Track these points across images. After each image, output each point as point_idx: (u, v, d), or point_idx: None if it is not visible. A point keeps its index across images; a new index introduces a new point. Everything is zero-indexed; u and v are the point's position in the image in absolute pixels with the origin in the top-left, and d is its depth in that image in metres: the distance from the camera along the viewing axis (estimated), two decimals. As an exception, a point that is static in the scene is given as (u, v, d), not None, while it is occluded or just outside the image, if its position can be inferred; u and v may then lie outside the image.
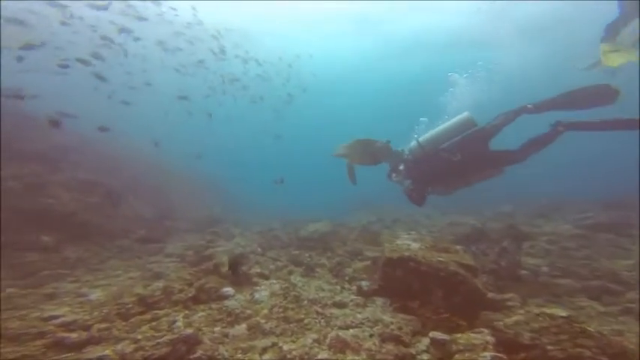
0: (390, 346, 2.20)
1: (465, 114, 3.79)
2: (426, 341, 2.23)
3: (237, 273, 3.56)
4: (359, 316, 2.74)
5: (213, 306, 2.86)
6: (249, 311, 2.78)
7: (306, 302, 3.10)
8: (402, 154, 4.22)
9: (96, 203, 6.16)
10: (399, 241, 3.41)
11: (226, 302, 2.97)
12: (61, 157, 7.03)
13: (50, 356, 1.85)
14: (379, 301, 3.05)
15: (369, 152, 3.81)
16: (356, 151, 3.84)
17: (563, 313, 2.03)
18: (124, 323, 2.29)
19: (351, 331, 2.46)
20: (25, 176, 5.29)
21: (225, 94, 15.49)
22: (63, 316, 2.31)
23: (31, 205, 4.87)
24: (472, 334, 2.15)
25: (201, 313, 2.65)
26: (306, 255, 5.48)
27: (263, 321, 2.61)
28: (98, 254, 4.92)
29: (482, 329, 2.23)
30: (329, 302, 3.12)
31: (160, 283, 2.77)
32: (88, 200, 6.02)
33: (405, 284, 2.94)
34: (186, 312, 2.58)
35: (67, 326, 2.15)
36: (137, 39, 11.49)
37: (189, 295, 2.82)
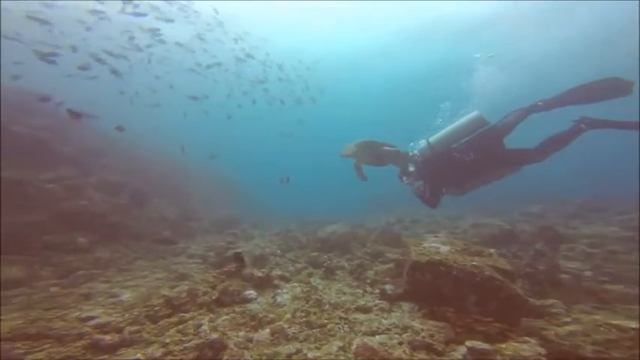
0: (421, 355, 2.09)
1: (475, 112, 3.68)
2: (462, 350, 2.09)
3: (242, 265, 3.56)
4: (385, 321, 2.65)
5: (237, 309, 2.87)
6: (272, 315, 2.77)
7: (328, 306, 3.04)
8: (411, 156, 4.15)
9: (123, 205, 6.47)
10: (425, 244, 3.26)
11: (249, 305, 2.98)
12: (92, 160, 7.47)
13: (89, 358, 1.92)
14: (406, 306, 2.92)
15: (375, 154, 3.77)
16: (362, 152, 3.81)
17: (634, 325, 1.80)
18: (152, 326, 2.35)
19: (377, 337, 2.36)
20: (62, 179, 5.64)
21: (244, 96, 15.83)
22: (98, 317, 2.41)
23: (68, 207, 5.18)
24: (517, 344, 1.98)
25: (225, 317, 2.67)
26: (325, 257, 5.42)
27: (286, 326, 2.58)
28: (126, 255, 5.15)
29: (527, 338, 2.05)
30: (352, 307, 3.04)
31: (185, 286, 2.83)
32: (116, 202, 6.34)
33: (435, 289, 2.79)
34: (211, 315, 2.61)
35: (102, 328, 2.24)
36: (161, 41, 11.92)
37: (213, 297, 2.86)
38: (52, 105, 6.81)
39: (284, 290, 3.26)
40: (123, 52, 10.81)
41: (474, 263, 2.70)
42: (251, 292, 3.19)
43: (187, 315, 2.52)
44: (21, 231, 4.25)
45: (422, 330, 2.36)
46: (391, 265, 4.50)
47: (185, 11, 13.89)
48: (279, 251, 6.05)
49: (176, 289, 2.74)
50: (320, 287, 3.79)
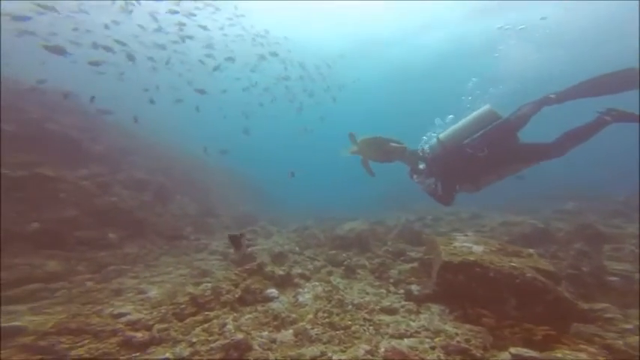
0: None
1: (487, 107, 3.60)
2: (504, 357, 1.91)
3: (239, 249, 3.50)
4: (413, 324, 2.52)
5: (259, 308, 2.86)
6: (294, 315, 2.73)
7: (350, 307, 2.96)
8: (421, 153, 4.07)
9: (149, 201, 6.73)
10: (456, 244, 3.07)
11: (271, 304, 2.96)
12: (120, 158, 7.83)
13: (123, 354, 1.98)
14: (435, 308, 2.77)
15: (382, 151, 3.70)
16: (368, 149, 3.75)
17: None
18: (179, 324, 2.38)
19: (406, 341, 2.25)
20: (94, 176, 5.94)
21: (265, 93, 16.00)
22: (129, 314, 2.49)
23: (100, 204, 5.45)
24: (571, 352, 1.78)
25: (248, 316, 2.67)
26: (344, 255, 5.34)
27: (309, 327, 2.53)
28: (152, 251, 5.35)
29: (584, 346, 1.84)
30: (376, 307, 2.94)
31: (209, 284, 2.85)
32: (142, 198, 6.60)
33: (468, 291, 2.62)
34: (235, 314, 2.62)
35: (133, 325, 2.31)
36: (187, 37, 12.17)
37: (236, 296, 2.87)
38: (81, 101, 7.11)
39: (305, 289, 3.22)
40: (145, 48, 11.17)
41: (513, 264, 2.49)
42: (273, 291, 3.17)
43: (212, 314, 2.54)
44: (56, 227, 4.52)
45: (456, 334, 2.21)
46: (415, 264, 4.33)
47: (202, 9, 14.12)
48: (297, 248, 6.05)
49: (200, 287, 2.77)
50: (341, 287, 3.71)
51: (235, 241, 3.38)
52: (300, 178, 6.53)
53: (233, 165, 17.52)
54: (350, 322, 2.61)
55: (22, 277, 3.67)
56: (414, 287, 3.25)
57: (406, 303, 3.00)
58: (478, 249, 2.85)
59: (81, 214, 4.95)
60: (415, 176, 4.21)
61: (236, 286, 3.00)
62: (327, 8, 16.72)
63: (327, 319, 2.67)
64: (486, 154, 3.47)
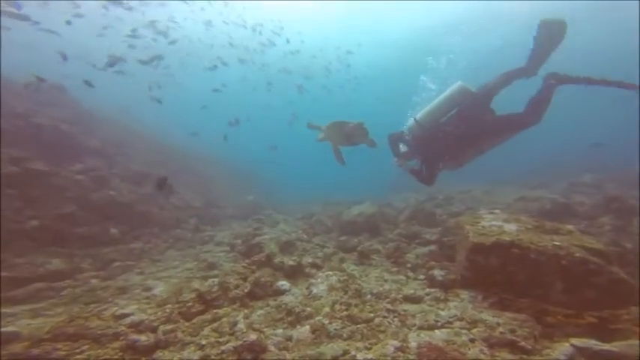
0: (505, 355, 1.71)
1: (458, 83, 3.63)
2: (563, 349, 1.64)
3: (165, 191, 3.59)
4: (443, 313, 2.29)
5: (271, 302, 2.67)
6: (309, 309, 2.52)
7: (370, 296, 2.75)
8: (400, 135, 4.14)
9: (149, 194, 6.51)
10: (484, 223, 2.79)
11: (283, 298, 2.76)
12: (116, 151, 7.54)
13: (126, 360, 1.78)
14: (465, 294, 2.53)
15: (343, 134, 3.66)
16: (333, 134, 3.72)
17: None
18: (187, 324, 2.19)
19: (438, 333, 2.03)
20: (90, 170, 5.70)
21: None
22: (133, 314, 2.30)
23: (98, 198, 5.24)
24: None
25: (259, 312, 2.47)
26: (355, 240, 5.12)
27: (326, 321, 2.32)
28: (157, 245, 5.19)
29: None
30: (398, 296, 2.72)
31: (216, 278, 2.65)
32: (142, 191, 6.37)
33: (504, 276, 2.36)
34: (245, 311, 2.42)
35: (137, 327, 2.13)
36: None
37: (246, 290, 2.66)
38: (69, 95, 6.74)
39: (318, 280, 3.00)
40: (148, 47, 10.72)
41: (556, 243, 2.21)
42: (284, 283, 2.97)
43: (221, 311, 2.34)
44: (55, 223, 4.33)
45: (498, 324, 1.97)
46: (432, 247, 4.10)
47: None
48: (305, 236, 5.85)
49: (207, 283, 2.57)
50: (356, 274, 3.51)
51: (160, 183, 3.61)
52: (303, 164, 6.33)
53: (233, 154, 17.21)
54: (371, 314, 2.40)
55: (25, 277, 3.52)
56: (436, 272, 3.02)
57: (431, 290, 2.77)
58: (511, 227, 2.57)
59: (79, 210, 4.75)
60: (396, 159, 4.27)
61: (245, 279, 2.80)
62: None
63: (345, 312, 2.46)
64: (464, 130, 3.54)
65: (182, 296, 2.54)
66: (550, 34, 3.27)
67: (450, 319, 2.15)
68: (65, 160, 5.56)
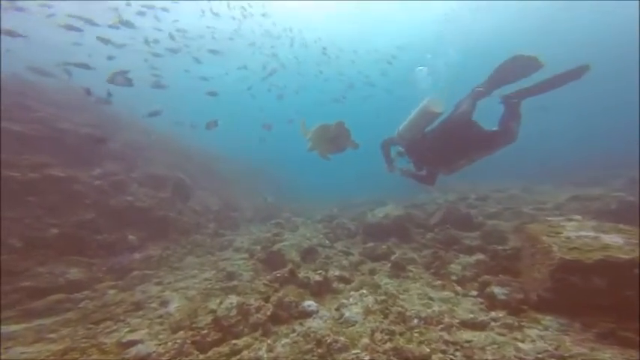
0: None
1: (425, 102, 3.59)
2: None
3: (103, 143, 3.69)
4: (525, 346, 1.78)
5: (297, 327, 2.28)
6: (342, 339, 2.11)
7: (416, 321, 2.28)
8: (392, 140, 4.19)
9: (167, 198, 6.41)
10: (568, 233, 2.22)
11: (311, 323, 2.37)
12: (136, 155, 7.56)
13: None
14: (549, 321, 1.98)
15: (328, 139, 3.47)
16: (318, 141, 3.52)
17: None
18: (201, 357, 1.85)
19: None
20: (109, 175, 5.65)
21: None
22: (140, 342, 2.01)
23: (116, 204, 5.16)
24: None
25: (284, 341, 2.09)
26: (384, 247, 4.63)
27: (367, 357, 1.90)
28: (176, 252, 5.02)
29: None
30: (454, 321, 2.23)
31: (234, 298, 2.31)
32: (160, 196, 6.27)
33: (616, 300, 1.80)
34: (268, 342, 2.05)
35: (141, 363, 1.80)
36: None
37: (268, 313, 2.30)
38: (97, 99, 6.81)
39: (351, 300, 2.58)
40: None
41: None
42: (310, 304, 2.58)
43: (240, 342, 1.99)
44: (75, 231, 4.25)
45: None
46: (480, 255, 3.52)
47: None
48: (327, 241, 5.45)
49: (224, 305, 2.23)
50: (393, 290, 3.05)
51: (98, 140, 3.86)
52: (319, 164, 6.04)
53: (250, 156, 17.22)
54: (425, 347, 1.93)
55: (45, 287, 3.42)
56: (496, 290, 2.49)
57: (494, 313, 2.25)
58: (615, 240, 1.98)
59: (98, 216, 4.67)
60: (386, 166, 4.39)
61: (267, 300, 2.44)
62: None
63: (389, 343, 2.02)
64: (448, 142, 3.59)
65: (197, 319, 2.22)
66: (519, 68, 3.32)
67: (540, 356, 1.64)
68: (85, 165, 5.55)
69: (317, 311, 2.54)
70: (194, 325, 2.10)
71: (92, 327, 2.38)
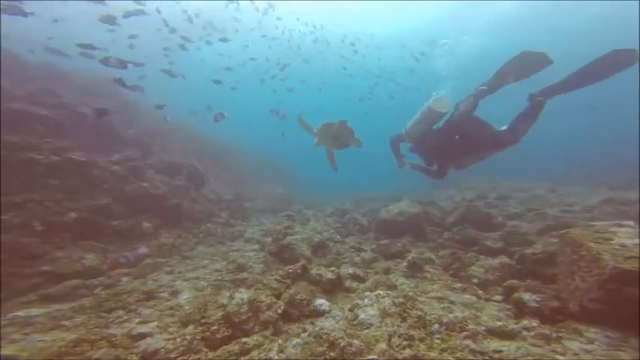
0: None
1: (430, 101, 3.65)
2: None
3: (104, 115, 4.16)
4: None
5: (308, 328, 2.19)
6: (357, 342, 1.98)
7: (437, 326, 2.12)
8: (400, 137, 4.32)
9: (182, 186, 6.46)
10: (623, 240, 1.97)
11: (323, 322, 2.27)
12: (151, 141, 7.64)
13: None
14: (595, 333, 1.77)
15: (332, 135, 3.62)
16: (323, 137, 3.67)
17: None
18: (210, 355, 1.79)
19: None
20: (126, 161, 5.73)
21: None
22: (150, 335, 1.98)
23: (132, 190, 5.22)
24: None
25: (296, 341, 2.00)
26: (398, 245, 4.46)
27: (384, 365, 1.77)
28: (188, 240, 5.05)
29: None
30: (479, 328, 2.06)
31: (245, 292, 2.23)
32: (175, 183, 6.32)
33: None
34: (280, 341, 1.96)
35: (150, 358, 1.76)
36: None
37: (279, 311, 2.21)
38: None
39: (366, 300, 2.44)
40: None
41: None
42: (322, 302, 2.47)
43: (251, 340, 1.91)
44: (91, 216, 4.33)
45: None
46: (504, 258, 3.29)
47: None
48: (338, 236, 5.33)
49: (235, 300, 2.16)
50: (408, 290, 2.90)
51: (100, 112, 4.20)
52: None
53: (266, 148, 17.25)
54: (450, 357, 1.78)
55: (63, 273, 3.50)
56: (526, 296, 2.28)
57: (525, 322, 2.04)
58: None
59: (114, 202, 4.74)
60: (396, 162, 4.53)
61: (278, 297, 2.35)
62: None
63: (408, 350, 1.88)
64: (455, 140, 3.62)
65: (207, 313, 2.16)
66: (526, 65, 3.30)
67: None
68: (103, 150, 5.64)
69: (329, 310, 2.43)
70: (204, 320, 2.05)
71: (104, 315, 2.39)
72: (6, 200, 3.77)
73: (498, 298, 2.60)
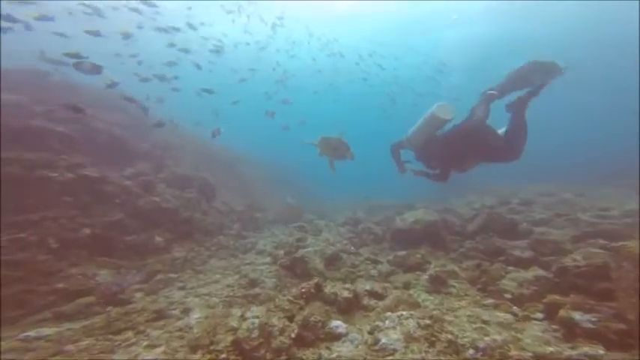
0: None
1: (434, 108, 3.68)
2: None
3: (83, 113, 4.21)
4: None
5: (324, 354, 1.99)
6: (381, 372, 1.78)
7: (472, 352, 1.88)
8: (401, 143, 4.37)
9: (193, 199, 6.46)
10: None
11: (340, 347, 2.07)
12: (164, 155, 7.77)
13: None
14: None
15: (331, 147, 3.86)
16: (324, 148, 3.92)
17: None
18: (218, 388, 1.64)
19: None
20: (138, 175, 5.79)
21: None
22: (156, 361, 1.85)
23: (144, 204, 5.24)
24: None
25: (313, 370, 1.82)
26: (417, 256, 4.19)
27: (413, 401, 1.55)
28: (200, 254, 4.98)
29: None
30: (527, 355, 1.80)
31: (257, 319, 2.08)
32: (186, 196, 6.33)
33: None
34: (295, 372, 1.78)
35: (155, 390, 1.62)
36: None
37: (292, 335, 2.04)
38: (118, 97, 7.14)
39: (387, 323, 2.23)
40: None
41: None
42: (338, 324, 2.28)
43: (262, 371, 1.74)
44: (105, 232, 4.35)
45: None
46: (539, 270, 2.98)
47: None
48: (352, 247, 5.11)
49: (246, 324, 2.01)
50: (431, 307, 2.66)
51: (76, 109, 4.29)
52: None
53: (273, 156, 17.34)
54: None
55: (77, 290, 3.48)
56: (576, 314, 2.00)
57: (590, 349, 1.76)
58: None
59: (126, 217, 4.76)
60: (397, 167, 4.57)
61: (291, 319, 2.18)
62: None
63: (437, 385, 1.66)
64: (463, 148, 3.66)
65: (216, 338, 2.02)
66: (537, 74, 3.36)
67: None
68: (116, 165, 5.75)
69: (346, 333, 2.23)
70: (213, 347, 1.90)
71: (111, 338, 2.29)
72: (23, 218, 3.83)
73: (539, 316, 2.32)
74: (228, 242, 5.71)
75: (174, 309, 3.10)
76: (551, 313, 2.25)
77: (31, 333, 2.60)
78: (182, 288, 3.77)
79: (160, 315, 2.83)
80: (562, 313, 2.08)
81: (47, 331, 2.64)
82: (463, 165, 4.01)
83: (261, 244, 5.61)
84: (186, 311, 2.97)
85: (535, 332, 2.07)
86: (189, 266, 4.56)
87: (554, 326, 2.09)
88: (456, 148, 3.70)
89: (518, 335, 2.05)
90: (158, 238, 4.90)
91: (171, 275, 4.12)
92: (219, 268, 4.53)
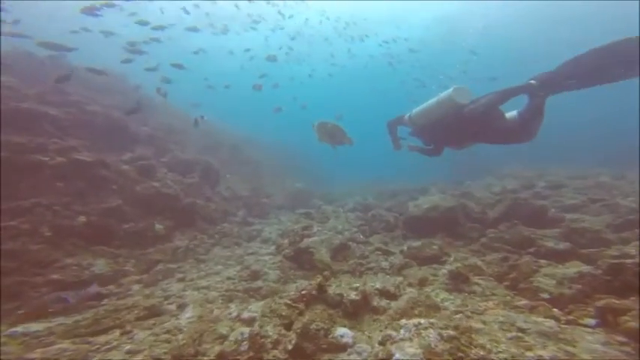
0: None
1: (451, 90, 3.56)
2: None
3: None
4: None
5: (329, 369, 1.69)
6: (394, 397, 1.46)
7: None
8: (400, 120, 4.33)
9: (196, 184, 6.22)
10: None
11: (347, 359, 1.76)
12: (166, 138, 7.50)
13: None
14: None
15: (328, 133, 3.80)
16: (322, 133, 3.84)
17: None
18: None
19: None
20: (138, 160, 5.55)
21: None
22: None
23: (143, 190, 5.02)
24: None
25: (313, 393, 1.52)
26: (434, 247, 3.79)
27: None
28: (203, 242, 4.79)
29: None
30: None
31: (247, 328, 1.78)
32: (188, 181, 6.09)
33: None
34: (290, 396, 1.48)
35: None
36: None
37: (289, 347, 1.73)
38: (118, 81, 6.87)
39: (402, 333, 1.88)
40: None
41: None
42: (344, 332, 1.95)
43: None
44: (102, 219, 4.17)
45: None
46: (584, 266, 2.53)
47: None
48: (361, 236, 4.76)
49: (234, 335, 1.72)
50: (453, 309, 2.30)
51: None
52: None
53: (281, 138, 16.92)
54: None
55: (72, 282, 3.33)
56: (633, 323, 1.59)
57: None
58: None
59: (124, 204, 4.56)
60: (393, 144, 4.53)
61: (289, 327, 1.87)
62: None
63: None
64: (465, 127, 3.62)
65: (202, 348, 1.75)
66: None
67: None
68: (115, 149, 5.51)
69: (352, 343, 1.91)
70: (199, 354, 1.63)
71: (91, 340, 2.08)
72: (15, 205, 3.66)
73: (590, 322, 1.91)
74: (232, 230, 5.50)
75: (170, 303, 2.89)
76: (606, 318, 1.84)
77: (19, 329, 2.45)
78: (181, 280, 3.58)
79: (152, 312, 2.62)
80: (625, 320, 1.66)
81: (35, 327, 2.49)
82: (461, 143, 4.01)
83: (267, 231, 5.37)
84: (182, 307, 2.75)
85: (591, 345, 1.67)
86: (192, 255, 4.38)
87: (617, 337, 1.68)
88: (462, 129, 3.67)
89: (569, 348, 1.65)
90: (158, 226, 4.71)
91: (172, 265, 3.95)
92: (222, 257, 4.31)
